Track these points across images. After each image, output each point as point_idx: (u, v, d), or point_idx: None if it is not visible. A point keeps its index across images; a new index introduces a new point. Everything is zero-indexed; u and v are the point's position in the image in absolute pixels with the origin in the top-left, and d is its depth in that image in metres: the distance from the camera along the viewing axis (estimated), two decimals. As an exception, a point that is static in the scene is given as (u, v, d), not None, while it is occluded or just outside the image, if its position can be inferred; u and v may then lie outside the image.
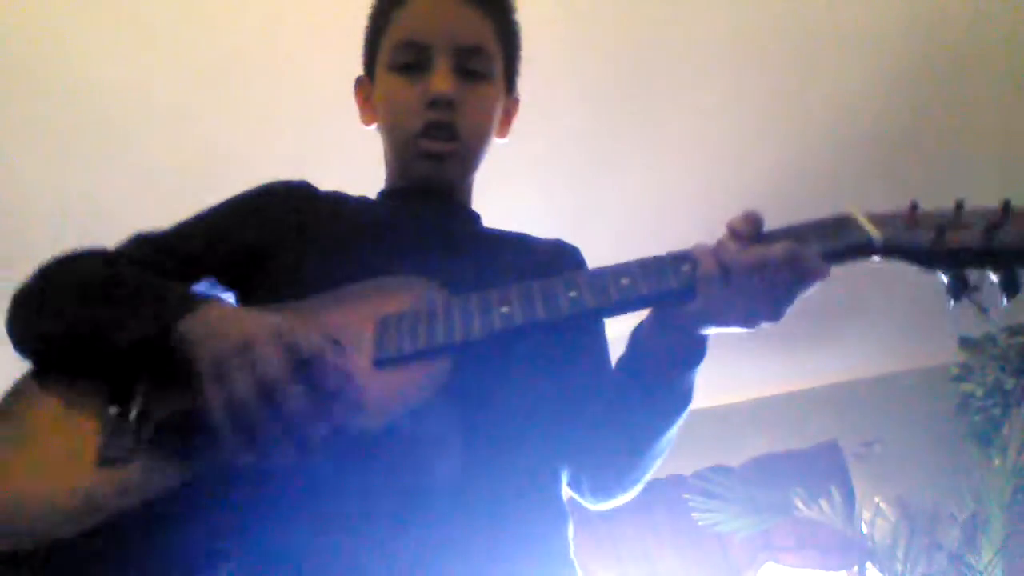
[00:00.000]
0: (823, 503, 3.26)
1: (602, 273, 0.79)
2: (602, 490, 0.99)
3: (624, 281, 0.77)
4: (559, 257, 1.07)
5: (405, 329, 0.75)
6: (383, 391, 0.71)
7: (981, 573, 2.99)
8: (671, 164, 2.82)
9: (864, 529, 3.30)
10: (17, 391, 0.80)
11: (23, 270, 0.88)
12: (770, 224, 0.81)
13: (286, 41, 2.17)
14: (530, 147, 2.56)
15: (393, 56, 1.00)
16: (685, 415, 0.91)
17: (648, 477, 0.99)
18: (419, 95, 0.97)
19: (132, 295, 0.80)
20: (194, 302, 0.76)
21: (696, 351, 0.85)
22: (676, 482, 3.92)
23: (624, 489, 0.99)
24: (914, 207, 0.77)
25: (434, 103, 0.96)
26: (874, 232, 0.76)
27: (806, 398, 4.35)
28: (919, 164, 2.91)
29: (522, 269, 1.00)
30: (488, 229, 1.09)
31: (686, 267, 0.78)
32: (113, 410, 0.72)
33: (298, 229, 0.98)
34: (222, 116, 2.36)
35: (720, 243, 0.78)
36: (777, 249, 0.75)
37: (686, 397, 0.89)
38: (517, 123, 1.14)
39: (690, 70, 2.46)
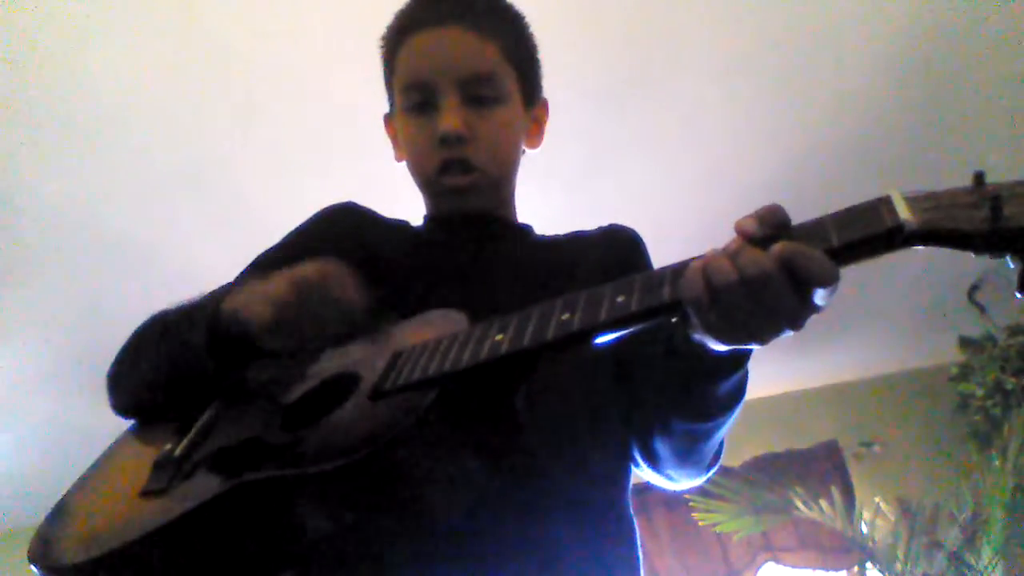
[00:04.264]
0: (823, 503, 3.26)
1: (602, 291, 0.71)
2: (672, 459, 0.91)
3: (620, 299, 0.68)
4: (612, 246, 1.05)
5: (410, 363, 0.75)
6: (366, 421, 0.72)
7: (981, 573, 2.99)
8: (671, 160, 2.82)
9: (864, 529, 3.30)
10: (111, 449, 0.90)
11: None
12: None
13: (297, 47, 2.17)
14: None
15: (404, 99, 1.01)
16: (736, 411, 0.83)
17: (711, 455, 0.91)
18: (431, 135, 0.97)
19: (182, 319, 0.88)
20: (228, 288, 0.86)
21: (718, 366, 0.76)
22: (676, 482, 3.92)
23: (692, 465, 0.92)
24: (979, 182, 0.60)
25: (443, 141, 0.96)
26: (907, 215, 0.59)
27: (806, 398, 4.35)
28: (920, 160, 2.91)
29: (575, 272, 0.98)
30: (540, 237, 1.08)
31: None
32: (167, 447, 0.81)
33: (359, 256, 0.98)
34: (221, 118, 2.35)
35: (713, 256, 0.65)
36: (764, 259, 0.62)
37: (729, 400, 0.81)
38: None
39: (690, 65, 2.45)
